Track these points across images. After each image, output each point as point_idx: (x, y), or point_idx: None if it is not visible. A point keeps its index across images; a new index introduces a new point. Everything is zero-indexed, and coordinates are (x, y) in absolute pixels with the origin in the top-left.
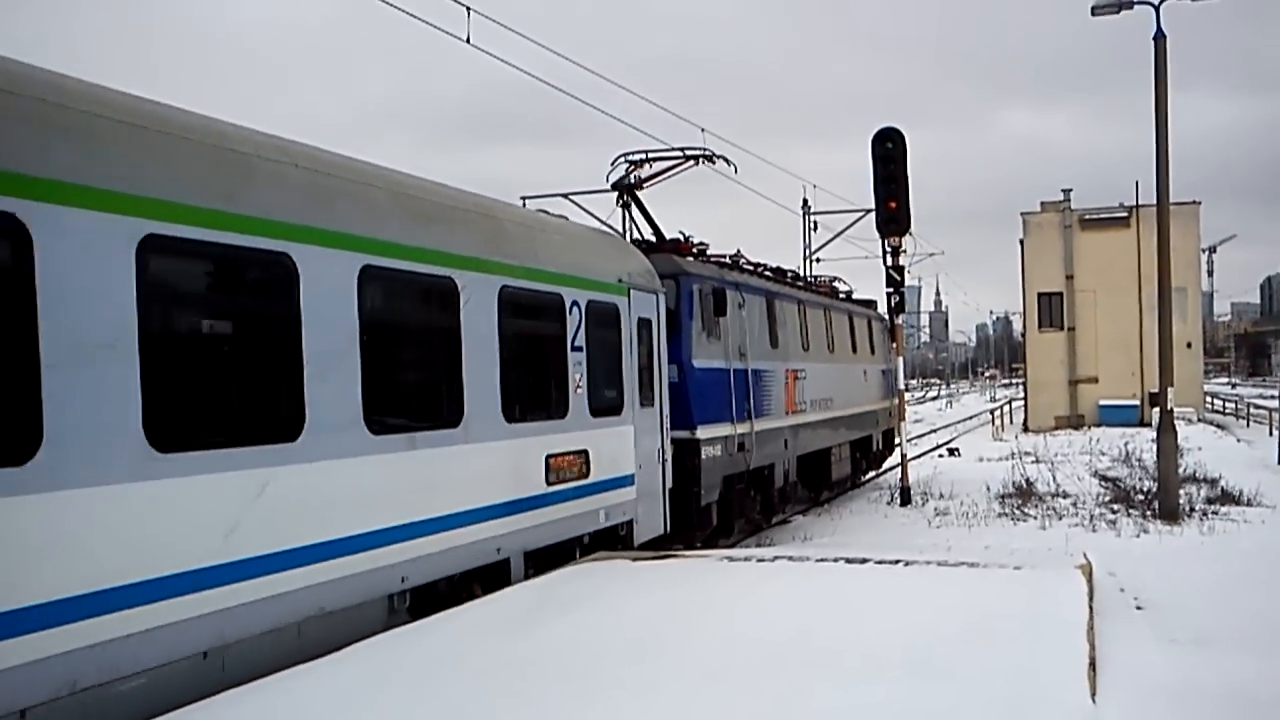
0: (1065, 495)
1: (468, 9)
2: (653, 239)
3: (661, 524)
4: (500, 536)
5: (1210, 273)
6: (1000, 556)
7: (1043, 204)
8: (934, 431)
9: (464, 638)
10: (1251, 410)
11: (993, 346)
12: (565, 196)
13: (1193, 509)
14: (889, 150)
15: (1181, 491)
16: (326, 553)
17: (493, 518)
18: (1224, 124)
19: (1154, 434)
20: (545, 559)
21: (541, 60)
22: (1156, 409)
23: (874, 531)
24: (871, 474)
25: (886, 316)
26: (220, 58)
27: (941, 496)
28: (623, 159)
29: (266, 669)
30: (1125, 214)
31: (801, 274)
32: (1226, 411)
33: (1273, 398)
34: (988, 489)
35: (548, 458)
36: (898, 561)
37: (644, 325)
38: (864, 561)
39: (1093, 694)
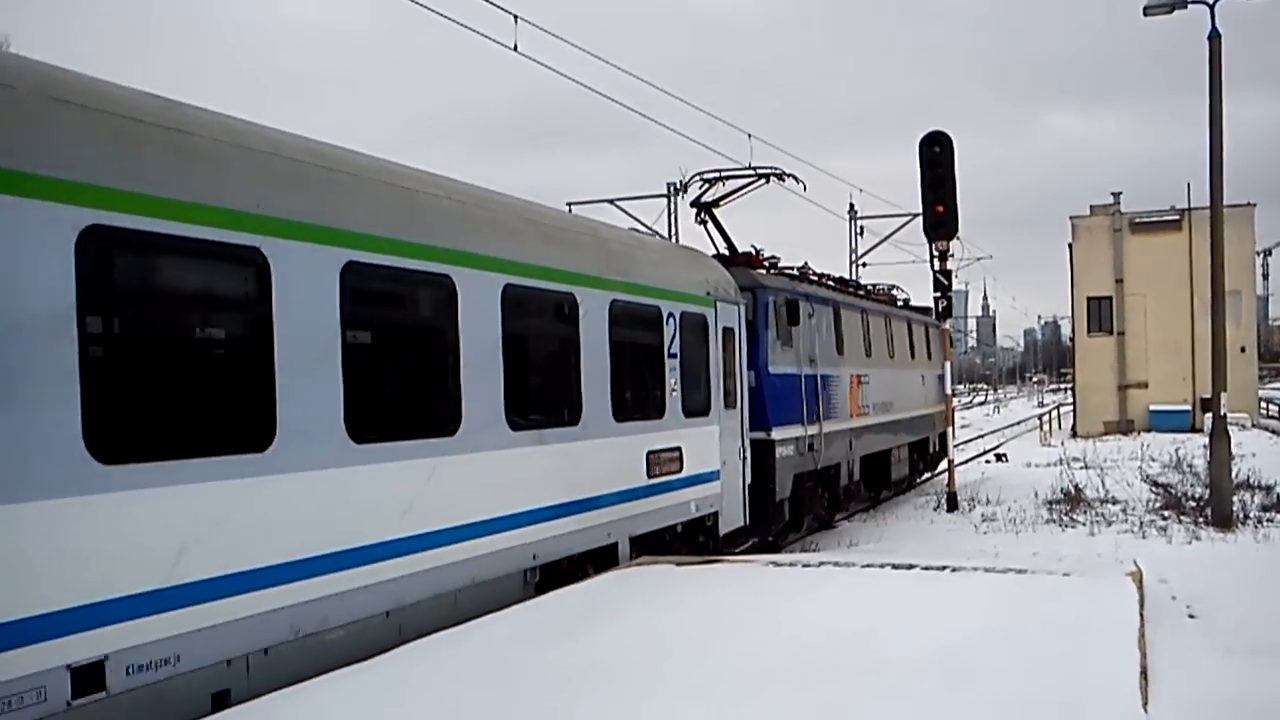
0: (1114, 501)
1: (515, 17)
2: (727, 253)
3: (742, 517)
4: (610, 523)
5: (1265, 276)
6: (1048, 563)
7: (1092, 207)
8: (981, 437)
9: (506, 643)
10: None
11: (1041, 351)
12: (611, 202)
13: (1246, 516)
14: (936, 154)
15: (1235, 498)
16: (478, 531)
17: (605, 505)
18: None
19: (1206, 440)
20: (645, 544)
21: (587, 67)
22: (1209, 414)
23: (920, 537)
24: (927, 475)
25: (936, 322)
26: (265, 66)
27: (989, 502)
28: (698, 177)
29: (432, 629)
30: (1176, 217)
31: (862, 283)
32: None
33: None
34: (1035, 495)
35: (648, 454)
36: (945, 568)
37: (727, 334)
38: (910, 567)
39: (1144, 703)
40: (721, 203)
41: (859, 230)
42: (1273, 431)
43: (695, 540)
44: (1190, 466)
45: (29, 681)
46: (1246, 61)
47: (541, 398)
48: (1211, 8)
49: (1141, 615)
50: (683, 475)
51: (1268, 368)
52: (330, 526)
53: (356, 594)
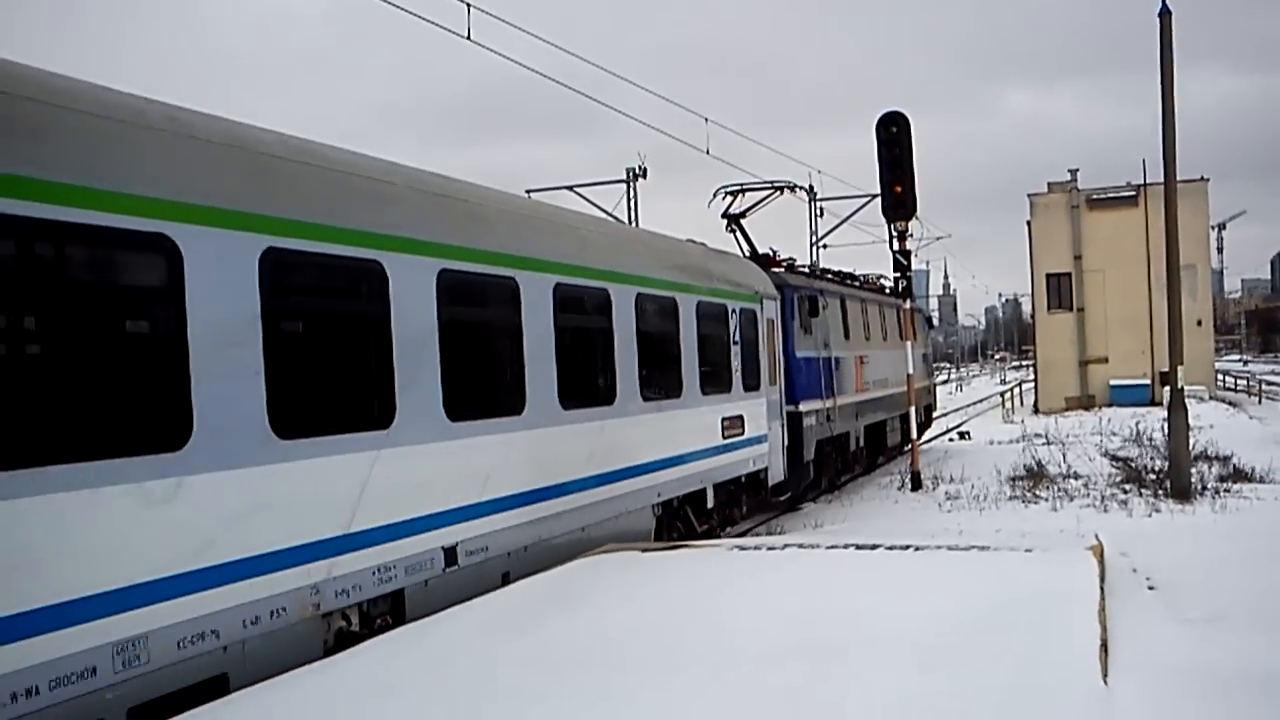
0: (1076, 476)
1: (468, 6)
2: (748, 255)
3: (783, 473)
4: (701, 472)
5: (1220, 250)
6: (1012, 539)
7: (1049, 185)
8: (944, 415)
9: (477, 632)
10: (1263, 387)
11: (1002, 329)
12: (570, 189)
13: (1205, 487)
14: (893, 134)
15: (1193, 470)
16: (626, 475)
17: (698, 459)
18: (1231, 100)
19: (1165, 413)
20: (721, 491)
21: (542, 54)
22: (1167, 388)
23: (885, 517)
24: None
25: (922, 308)
26: (216, 57)
27: (952, 480)
28: (723, 190)
29: (604, 540)
30: (1133, 193)
31: (857, 274)
32: (1238, 389)
33: None
34: (998, 472)
35: (722, 419)
36: (908, 547)
37: (770, 325)
38: (875, 548)
39: (1105, 675)
40: (748, 214)
41: (819, 211)
42: (1229, 403)
43: (750, 491)
44: (1150, 440)
45: (431, 553)
46: (1200, 37)
47: (658, 378)
48: None
49: (1102, 589)
50: (744, 437)
51: (1223, 340)
52: (550, 465)
53: (568, 515)
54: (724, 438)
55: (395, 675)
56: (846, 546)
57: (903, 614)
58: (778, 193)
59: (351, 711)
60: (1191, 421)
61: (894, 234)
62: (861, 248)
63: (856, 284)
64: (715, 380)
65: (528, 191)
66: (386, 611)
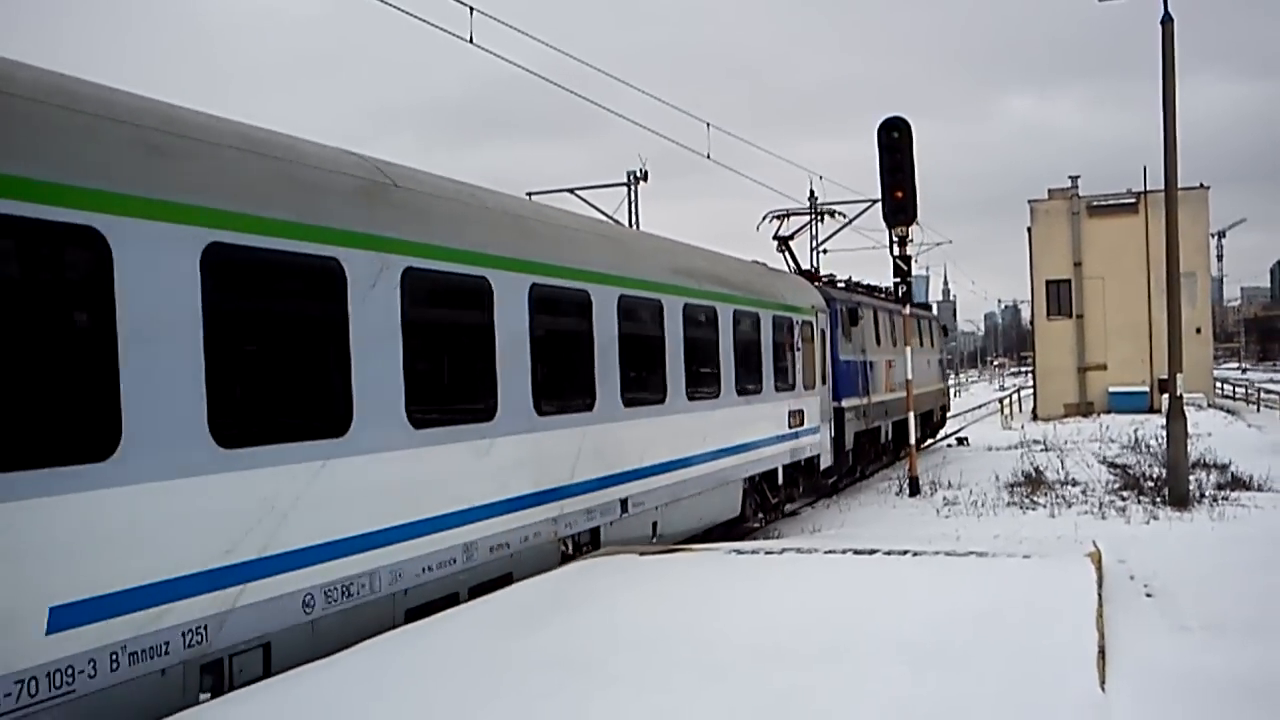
0: (1074, 483)
1: (470, 9)
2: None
3: (830, 459)
4: (775, 454)
5: (1220, 257)
6: (1009, 545)
7: (1050, 191)
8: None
9: (474, 635)
10: (1262, 395)
11: (1001, 335)
12: (571, 191)
13: (1203, 495)
14: (895, 140)
15: (1191, 478)
16: (721, 455)
17: (773, 444)
18: (1232, 108)
19: (1163, 420)
20: (788, 470)
21: (543, 56)
22: (1166, 395)
23: (883, 522)
24: (930, 440)
25: (938, 317)
26: (217, 57)
27: (950, 486)
28: (771, 214)
29: (716, 502)
30: (1133, 200)
31: (883, 287)
32: (1237, 397)
33: None
34: (997, 478)
35: (789, 412)
36: (906, 552)
37: (821, 334)
38: (872, 553)
39: (1102, 682)
40: (795, 236)
41: (819, 216)
42: (1228, 411)
43: (806, 474)
44: (1148, 447)
45: (614, 503)
46: (1200, 44)
47: (749, 376)
48: None
49: (1100, 595)
50: (804, 428)
51: (1223, 348)
52: (680, 443)
53: (692, 481)
54: (789, 428)
55: (397, 674)
56: (844, 551)
57: (900, 619)
58: (819, 218)
59: (353, 710)
60: (1190, 429)
61: (894, 239)
62: (861, 253)
63: (883, 296)
64: (784, 380)
65: (529, 194)
66: (589, 541)
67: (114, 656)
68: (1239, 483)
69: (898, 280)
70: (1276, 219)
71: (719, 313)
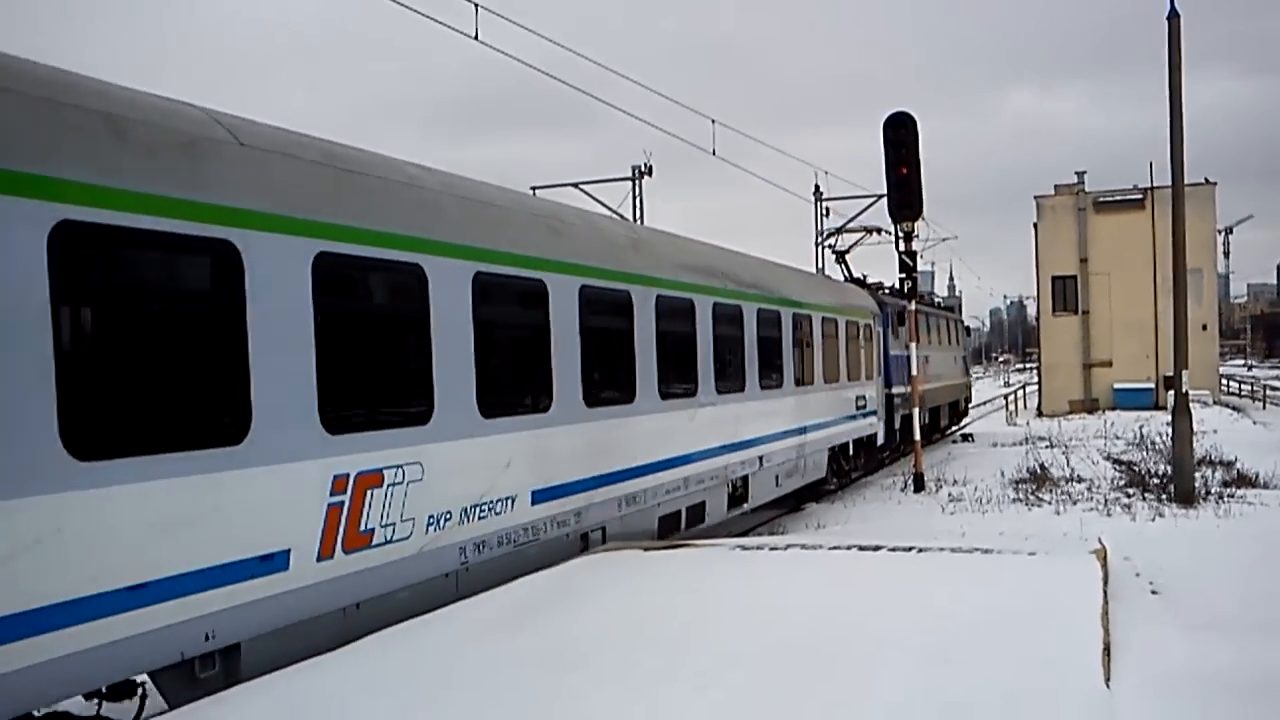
0: (1080, 479)
1: (476, 5)
2: (848, 280)
3: (883, 437)
4: (848, 430)
5: (1226, 254)
6: (1014, 542)
7: (1056, 187)
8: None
9: (477, 630)
10: (1268, 392)
11: (1006, 331)
12: (576, 186)
13: (1208, 492)
14: (900, 135)
15: (1197, 475)
16: (813, 429)
17: (847, 422)
18: (1241, 104)
19: (1169, 417)
20: (858, 445)
21: (548, 52)
22: (1171, 392)
23: (888, 518)
24: (955, 427)
25: (962, 318)
26: (219, 49)
27: (955, 482)
28: (828, 232)
29: (813, 464)
30: (1139, 196)
31: (921, 293)
32: (1242, 394)
33: None
34: (1002, 474)
35: (856, 397)
36: (911, 548)
37: (877, 334)
38: (877, 549)
39: (1107, 679)
40: (851, 250)
41: (825, 211)
42: (1234, 408)
43: (867, 449)
44: (1153, 444)
45: (755, 459)
46: (1206, 39)
47: (828, 368)
48: None
49: (1105, 593)
50: (866, 410)
51: (1229, 345)
52: (796, 417)
53: (800, 447)
54: (857, 410)
55: (398, 670)
56: (849, 548)
57: (905, 615)
58: (869, 234)
59: (354, 706)
60: (1195, 426)
61: (900, 234)
62: (867, 248)
63: (922, 300)
64: (854, 371)
65: (533, 189)
66: (744, 487)
67: (550, 523)
68: (1245, 480)
69: (903, 275)
70: None
71: (813, 320)
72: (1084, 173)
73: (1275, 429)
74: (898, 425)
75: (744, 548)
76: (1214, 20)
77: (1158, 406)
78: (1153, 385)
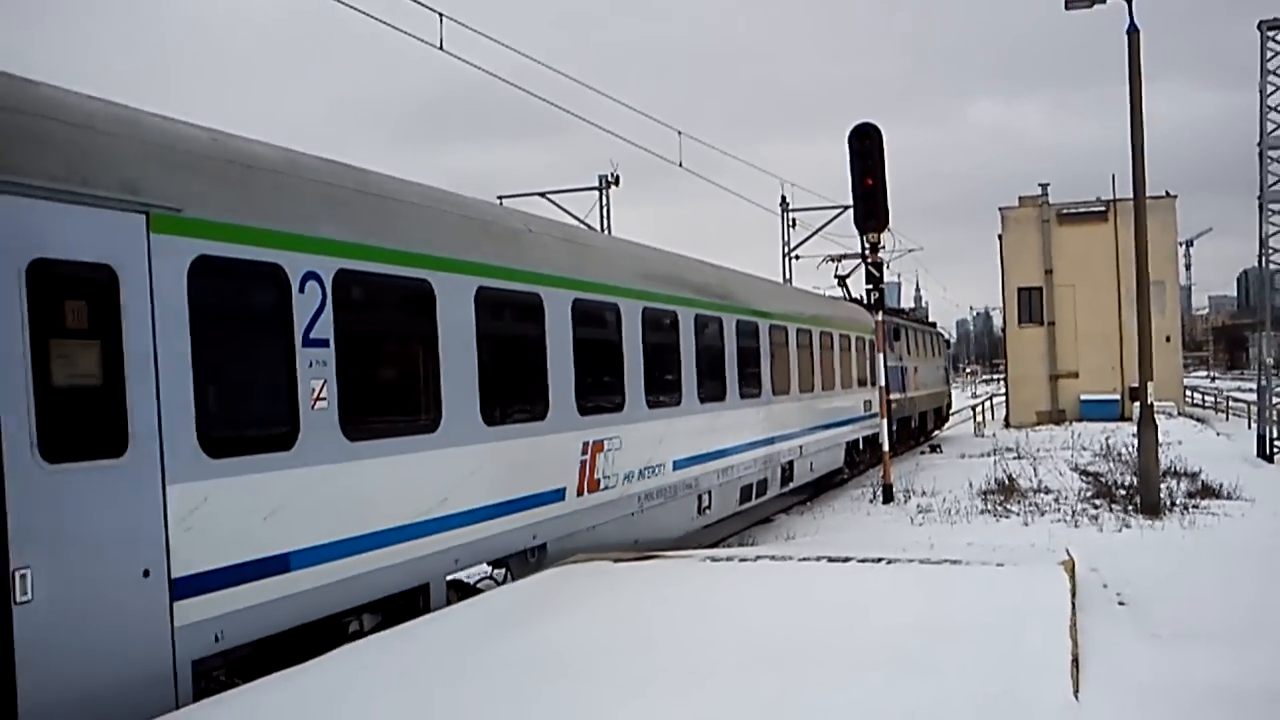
0: (1047, 491)
1: (440, 15)
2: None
3: (883, 439)
4: (858, 429)
5: (1188, 266)
6: (983, 553)
7: (1021, 199)
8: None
9: (447, 642)
10: (1230, 403)
11: (973, 342)
12: (543, 195)
13: (1174, 503)
14: (866, 146)
15: (1162, 486)
16: (825, 427)
17: (857, 423)
18: (1199, 117)
19: (1135, 428)
20: (865, 441)
21: (514, 62)
22: (1137, 403)
23: (857, 530)
24: (937, 431)
25: (942, 330)
26: (182, 53)
27: (924, 493)
28: (829, 257)
29: (830, 456)
30: (1103, 208)
31: (905, 309)
32: (1206, 405)
33: (1251, 391)
34: (970, 485)
35: (863, 401)
36: (880, 560)
37: (873, 346)
38: (846, 560)
39: (1075, 690)
40: (851, 274)
41: (791, 223)
42: (1198, 420)
43: (870, 446)
44: (1120, 455)
45: (798, 447)
46: (1167, 52)
47: (848, 376)
48: (1130, 2)
49: (1073, 603)
50: (870, 413)
51: (1192, 357)
52: (819, 417)
53: (826, 439)
54: (864, 412)
55: (374, 679)
56: (818, 559)
57: (874, 627)
58: (863, 260)
59: (330, 714)
60: (1160, 437)
61: (866, 245)
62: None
63: (905, 316)
64: (860, 380)
65: (499, 198)
66: (790, 470)
67: (681, 485)
68: (1209, 491)
69: (869, 287)
70: (1242, 228)
71: (834, 336)
72: (1048, 185)
73: (1238, 440)
74: (894, 428)
75: (714, 559)
76: (1173, 33)
77: (1123, 418)
78: (1118, 397)
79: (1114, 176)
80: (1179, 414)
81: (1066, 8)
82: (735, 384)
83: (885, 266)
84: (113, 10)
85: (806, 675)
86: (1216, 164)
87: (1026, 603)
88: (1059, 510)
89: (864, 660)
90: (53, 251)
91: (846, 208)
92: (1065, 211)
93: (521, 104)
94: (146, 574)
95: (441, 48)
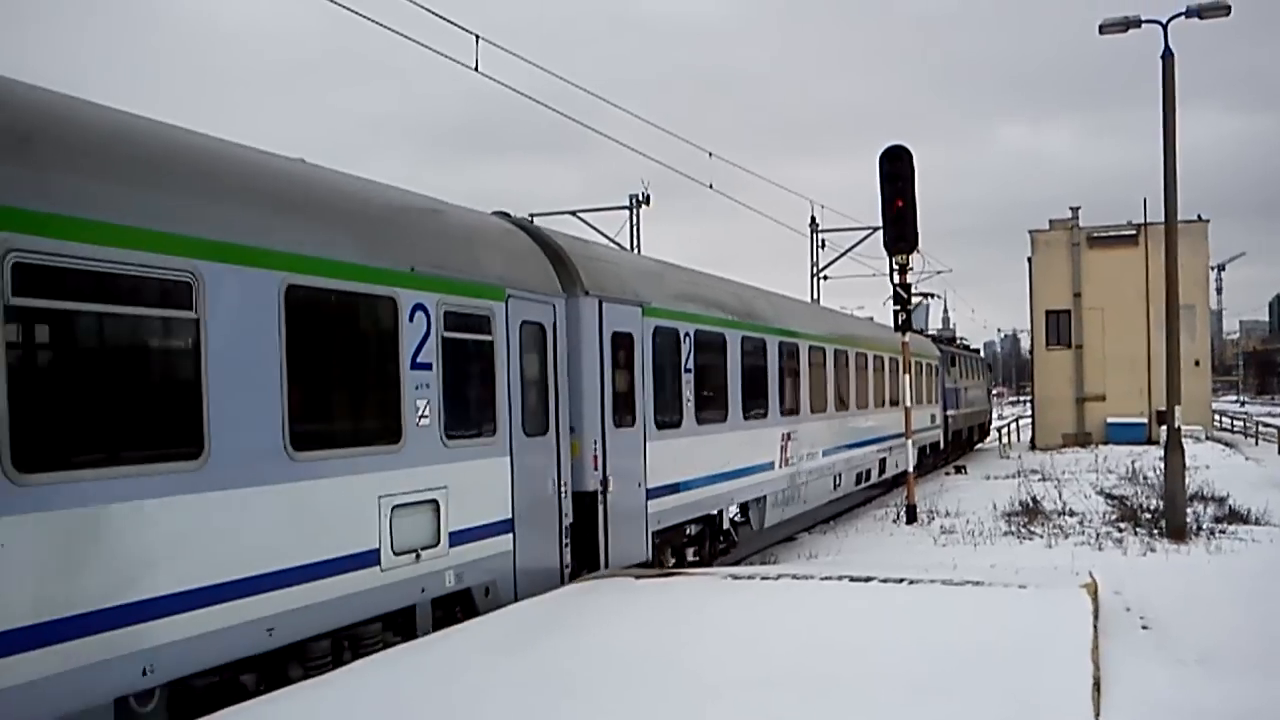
0: (1072, 513)
1: (476, 37)
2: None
3: (943, 445)
4: (926, 436)
5: (1219, 290)
6: (1006, 575)
7: (1051, 222)
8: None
9: (468, 656)
10: (1260, 428)
11: (1000, 364)
12: (574, 214)
13: (1200, 528)
14: (896, 168)
15: (1189, 510)
16: (862, 444)
17: (927, 431)
18: (1232, 140)
19: (1161, 452)
20: (930, 447)
21: (547, 83)
22: (1164, 427)
23: (880, 549)
24: (979, 443)
25: (983, 355)
26: (211, 68)
27: (947, 514)
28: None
29: (900, 462)
30: (1133, 232)
31: (956, 337)
32: (1235, 430)
33: None
34: (994, 507)
35: (930, 415)
36: (902, 580)
37: (937, 370)
38: (868, 580)
39: (1097, 714)
40: (915, 309)
41: (820, 243)
42: (1226, 444)
43: (935, 452)
44: (1146, 479)
45: (876, 455)
46: (1200, 75)
47: (921, 394)
48: (1165, 26)
49: (1095, 627)
50: (934, 425)
51: (1221, 381)
52: (886, 429)
53: (853, 459)
54: (930, 424)
55: (393, 692)
56: (840, 578)
57: (895, 647)
58: (926, 299)
59: None
60: (1188, 461)
61: (895, 267)
62: (862, 280)
63: (961, 346)
64: (929, 397)
65: (531, 216)
66: (881, 467)
67: (828, 468)
68: (1236, 516)
69: (897, 309)
70: (1275, 253)
71: (916, 363)
72: (1078, 208)
73: (1268, 465)
74: (949, 438)
75: (735, 577)
76: (1206, 56)
77: (1150, 441)
78: (1146, 420)
79: (1145, 200)
80: (1207, 438)
81: (1100, 32)
82: (855, 398)
83: (914, 288)
84: (155, 25)
85: (823, 694)
86: (1252, 188)
87: (1048, 625)
88: (1083, 533)
89: (883, 681)
90: (616, 326)
91: (876, 229)
92: (1095, 235)
93: (553, 122)
94: (639, 485)
95: (477, 69)
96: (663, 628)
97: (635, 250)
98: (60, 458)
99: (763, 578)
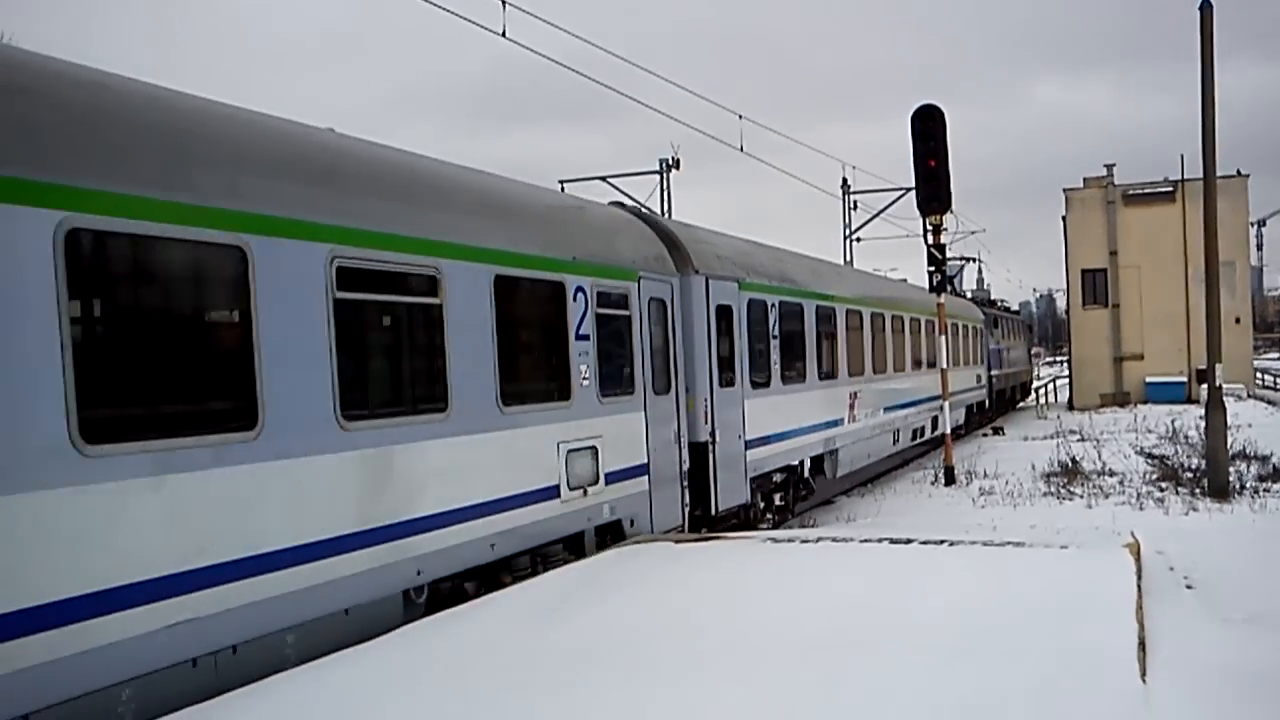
0: (1111, 473)
1: (503, 2)
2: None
3: (989, 404)
4: (972, 396)
5: (1260, 247)
6: (1046, 536)
7: (1085, 179)
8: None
9: (510, 621)
10: None
11: (1036, 324)
12: (603, 179)
13: (1243, 486)
14: (928, 128)
15: (1231, 469)
16: (907, 405)
17: (972, 391)
18: (1272, 91)
19: (1202, 411)
20: (978, 406)
21: (575, 47)
22: (1204, 385)
23: (918, 512)
24: (1020, 402)
25: (1024, 318)
26: (237, 38)
27: (986, 476)
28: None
29: (905, 438)
30: (1170, 189)
31: (995, 300)
32: (1277, 387)
33: None
34: (1033, 467)
35: (975, 375)
36: (942, 542)
37: (981, 333)
38: (908, 542)
39: (1143, 674)
40: (957, 275)
41: (853, 205)
42: (1269, 402)
43: (981, 410)
44: (1186, 438)
45: (926, 414)
46: (1239, 25)
47: (967, 354)
48: None
49: (1139, 587)
50: (979, 385)
51: (1263, 338)
52: (926, 391)
53: (956, 401)
54: (976, 384)
55: (432, 662)
56: (880, 540)
57: (936, 608)
58: (967, 261)
59: (390, 698)
60: (1229, 420)
61: (928, 228)
62: (895, 241)
63: (1001, 309)
64: (975, 358)
65: (561, 183)
66: (933, 423)
67: (885, 425)
68: None
69: (932, 270)
70: None
71: (959, 326)
72: (1113, 165)
73: None
74: (993, 396)
75: (775, 540)
76: (1241, 5)
77: (1190, 400)
78: (1185, 379)
79: (1182, 156)
80: (1249, 396)
81: None
82: (910, 360)
83: (948, 248)
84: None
85: (865, 656)
86: None
87: (1091, 586)
88: (1123, 493)
89: (924, 642)
90: (719, 300)
91: (909, 189)
92: (1131, 193)
93: (582, 88)
94: (739, 437)
95: (505, 35)
96: (702, 592)
97: (666, 214)
98: (367, 411)
99: (802, 540)
